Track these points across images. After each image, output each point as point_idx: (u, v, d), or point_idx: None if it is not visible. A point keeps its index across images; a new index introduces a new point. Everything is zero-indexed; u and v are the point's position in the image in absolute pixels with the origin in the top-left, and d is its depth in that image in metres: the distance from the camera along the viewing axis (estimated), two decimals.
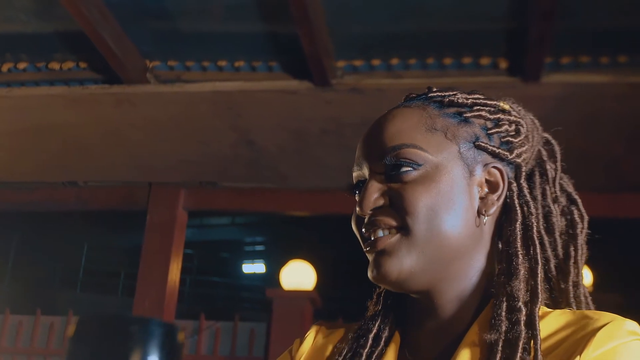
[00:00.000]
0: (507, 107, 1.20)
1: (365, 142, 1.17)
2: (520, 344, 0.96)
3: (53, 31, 3.72)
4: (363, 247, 1.13)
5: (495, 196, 1.13)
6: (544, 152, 1.24)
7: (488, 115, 1.16)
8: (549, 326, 1.00)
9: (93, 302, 11.71)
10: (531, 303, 1.02)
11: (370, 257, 1.12)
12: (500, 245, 1.11)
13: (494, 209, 1.13)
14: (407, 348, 1.13)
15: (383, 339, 1.15)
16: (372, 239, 1.10)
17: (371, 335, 1.16)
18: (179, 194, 4.84)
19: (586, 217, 1.21)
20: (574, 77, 3.47)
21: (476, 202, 1.11)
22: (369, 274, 1.10)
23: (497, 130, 1.16)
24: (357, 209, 1.11)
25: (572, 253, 1.18)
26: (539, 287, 1.05)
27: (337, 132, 3.95)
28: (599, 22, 3.38)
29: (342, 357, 1.15)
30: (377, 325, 1.18)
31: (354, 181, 1.19)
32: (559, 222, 1.17)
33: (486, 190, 1.13)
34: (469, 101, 1.17)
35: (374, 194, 1.11)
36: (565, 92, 3.50)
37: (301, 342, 1.27)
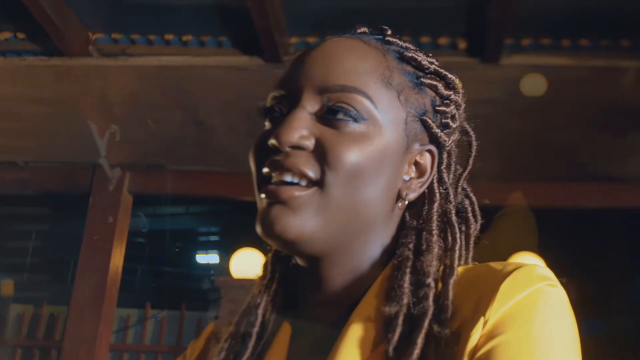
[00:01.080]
0: (460, 85, 1.06)
1: (305, 64, 0.97)
2: (427, 320, 0.84)
3: None
4: (257, 189, 0.95)
5: (419, 182, 0.99)
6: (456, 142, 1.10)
7: (442, 89, 1.01)
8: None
9: (40, 289, 11.41)
10: (446, 277, 0.90)
11: (262, 203, 0.94)
12: (408, 226, 0.98)
13: (415, 196, 0.99)
14: (299, 322, 0.99)
15: (274, 315, 1.01)
16: (273, 182, 0.93)
17: (260, 311, 1.01)
18: (124, 177, 4.64)
19: (480, 220, 1.08)
20: (534, 59, 3.36)
21: (400, 182, 0.97)
22: (258, 227, 0.92)
23: (443, 109, 1.01)
24: (272, 139, 0.92)
25: (464, 253, 1.04)
26: (455, 263, 0.92)
27: None
28: (561, 4, 3.28)
29: (230, 338, 1.01)
30: (264, 300, 1.02)
31: (269, 103, 1.01)
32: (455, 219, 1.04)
33: (413, 173, 0.99)
34: (432, 67, 1.02)
35: (302, 129, 0.93)
36: (525, 74, 3.40)
37: (195, 343, 1.13)
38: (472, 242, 1.04)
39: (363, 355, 0.87)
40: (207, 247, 16.41)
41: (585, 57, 3.34)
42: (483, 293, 0.85)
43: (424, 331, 0.84)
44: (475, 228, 1.04)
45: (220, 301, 5.61)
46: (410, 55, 1.00)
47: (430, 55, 1.04)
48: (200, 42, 3.56)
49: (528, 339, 0.80)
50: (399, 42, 1.02)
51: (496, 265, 0.89)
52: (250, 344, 0.98)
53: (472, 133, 1.08)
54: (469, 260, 1.02)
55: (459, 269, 0.92)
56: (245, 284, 5.68)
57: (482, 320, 0.82)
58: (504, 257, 2.41)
